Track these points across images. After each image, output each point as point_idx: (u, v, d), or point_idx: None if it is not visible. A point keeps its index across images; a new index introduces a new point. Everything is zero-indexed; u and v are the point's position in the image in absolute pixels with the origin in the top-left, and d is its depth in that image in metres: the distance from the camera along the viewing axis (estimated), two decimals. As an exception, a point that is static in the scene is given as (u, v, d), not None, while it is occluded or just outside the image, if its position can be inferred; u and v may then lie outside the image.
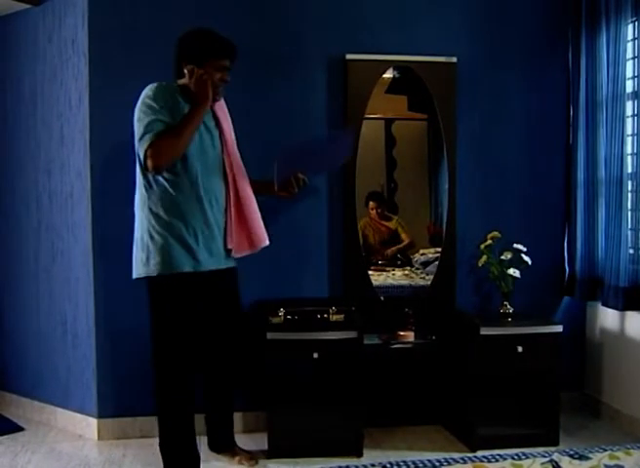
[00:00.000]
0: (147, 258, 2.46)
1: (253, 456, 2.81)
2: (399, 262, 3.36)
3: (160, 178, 2.45)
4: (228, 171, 2.58)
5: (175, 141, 2.37)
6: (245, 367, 2.95)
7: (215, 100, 2.55)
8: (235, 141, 2.68)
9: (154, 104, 2.39)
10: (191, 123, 2.40)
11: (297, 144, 2.84)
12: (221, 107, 2.65)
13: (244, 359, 2.91)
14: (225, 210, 2.57)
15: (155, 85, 2.45)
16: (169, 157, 2.38)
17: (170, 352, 2.52)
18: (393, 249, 3.37)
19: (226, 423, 2.85)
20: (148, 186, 2.47)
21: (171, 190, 2.45)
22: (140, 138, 2.38)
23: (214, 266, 2.55)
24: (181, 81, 2.56)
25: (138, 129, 2.41)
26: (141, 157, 2.40)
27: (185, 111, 2.44)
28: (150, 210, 2.47)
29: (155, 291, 2.51)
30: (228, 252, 2.61)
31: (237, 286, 2.77)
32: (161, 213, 2.45)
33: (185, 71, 2.50)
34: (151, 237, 2.46)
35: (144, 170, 2.43)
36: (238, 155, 2.66)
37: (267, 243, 2.70)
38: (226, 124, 2.64)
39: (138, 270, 2.52)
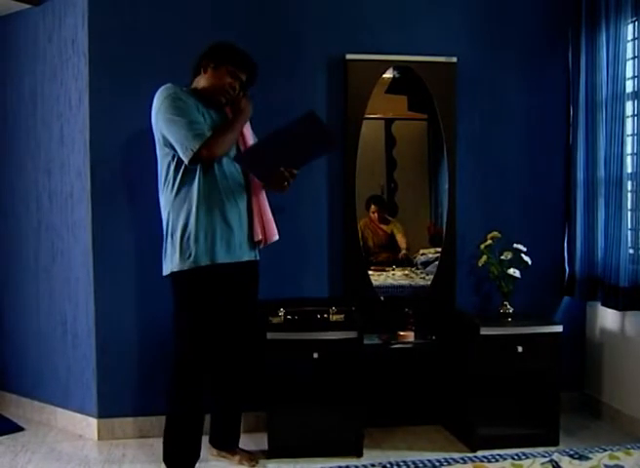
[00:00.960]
0: (172, 255, 2.53)
1: (253, 457, 2.81)
2: (402, 260, 3.38)
3: (179, 177, 2.50)
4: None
5: (224, 141, 2.49)
6: (253, 365, 2.93)
7: (226, 104, 2.62)
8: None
9: (186, 101, 2.47)
10: (234, 129, 2.54)
11: (260, 140, 2.61)
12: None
13: (255, 356, 2.88)
14: (249, 205, 2.62)
15: (171, 84, 2.50)
16: (223, 150, 2.49)
17: (190, 347, 2.54)
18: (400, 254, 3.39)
19: (234, 422, 2.85)
20: (171, 186, 2.52)
21: (191, 188, 2.50)
22: (192, 134, 2.41)
23: (231, 259, 2.57)
24: (194, 85, 2.62)
25: (180, 126, 2.43)
26: (195, 149, 2.41)
27: (195, 103, 2.50)
28: (172, 208, 2.52)
29: (178, 286, 2.56)
30: (251, 245, 2.65)
31: (256, 279, 2.78)
32: (177, 209, 2.51)
33: (202, 69, 2.59)
34: (172, 235, 2.53)
35: (191, 162, 2.44)
36: None
37: (277, 237, 2.74)
38: (247, 131, 2.69)
39: (165, 267, 2.58)
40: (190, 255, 2.48)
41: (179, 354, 2.57)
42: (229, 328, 2.71)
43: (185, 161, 2.43)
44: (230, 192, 2.56)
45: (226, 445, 2.84)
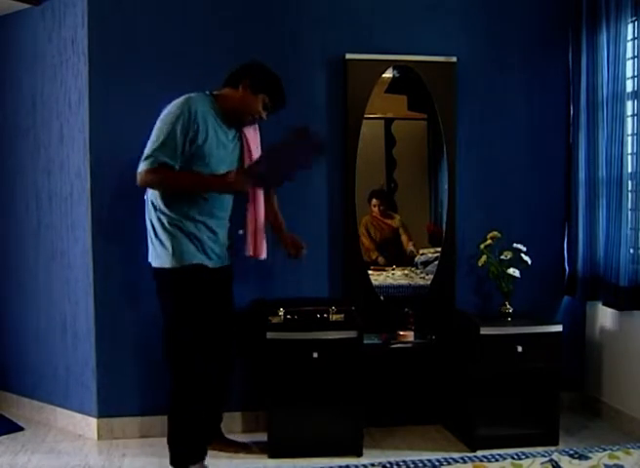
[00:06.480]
0: (162, 251, 2.52)
1: (246, 445, 2.87)
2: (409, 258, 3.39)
3: None
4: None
5: (173, 185, 2.49)
6: (236, 363, 2.94)
7: (244, 125, 2.65)
8: None
9: (178, 126, 2.41)
10: (201, 188, 2.52)
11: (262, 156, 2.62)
12: (252, 129, 2.72)
13: (236, 354, 2.90)
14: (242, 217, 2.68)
15: (189, 100, 2.46)
16: (158, 189, 2.51)
17: (184, 342, 2.54)
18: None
19: (217, 418, 2.87)
20: None
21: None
22: (147, 157, 2.44)
23: (215, 265, 2.62)
24: (220, 92, 2.60)
25: (152, 140, 2.45)
26: (139, 169, 2.46)
27: (213, 122, 2.50)
28: (160, 207, 2.52)
29: (168, 283, 2.56)
30: (228, 253, 2.72)
31: (231, 283, 2.83)
32: (168, 211, 2.51)
33: (241, 86, 2.55)
34: (161, 233, 2.52)
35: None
36: None
37: (264, 257, 2.80)
38: (253, 144, 2.70)
39: (153, 262, 2.58)
40: (182, 253, 2.50)
41: (171, 351, 2.57)
42: (210, 325, 2.70)
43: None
44: (221, 201, 2.59)
45: (213, 437, 2.84)
